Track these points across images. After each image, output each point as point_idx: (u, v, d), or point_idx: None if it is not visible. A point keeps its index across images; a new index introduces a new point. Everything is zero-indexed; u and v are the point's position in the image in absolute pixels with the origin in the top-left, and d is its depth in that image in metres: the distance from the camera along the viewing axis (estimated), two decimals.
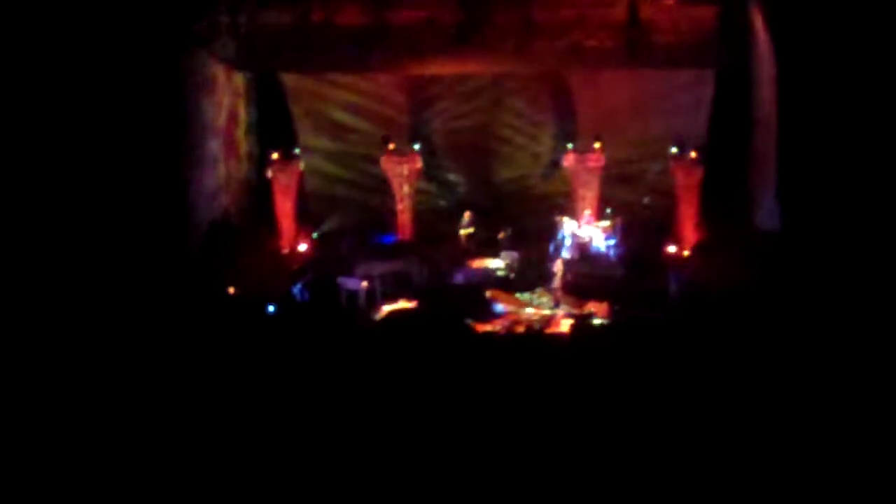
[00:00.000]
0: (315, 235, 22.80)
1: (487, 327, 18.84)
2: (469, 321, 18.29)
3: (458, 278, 21.43)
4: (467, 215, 22.85)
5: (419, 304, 19.91)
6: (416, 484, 11.39)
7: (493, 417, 12.63)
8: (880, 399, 12.68)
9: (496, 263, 21.85)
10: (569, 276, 20.64)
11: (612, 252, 21.80)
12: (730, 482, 11.12)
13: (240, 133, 23.38)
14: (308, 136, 23.86)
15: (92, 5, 18.16)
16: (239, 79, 23.20)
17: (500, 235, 22.42)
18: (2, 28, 17.22)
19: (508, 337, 17.90)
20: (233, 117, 23.03)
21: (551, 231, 22.27)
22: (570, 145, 22.72)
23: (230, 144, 22.92)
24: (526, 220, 23.24)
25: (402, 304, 19.98)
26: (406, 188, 22.96)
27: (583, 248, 21.81)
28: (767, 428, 12.18)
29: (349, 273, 20.63)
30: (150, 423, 12.52)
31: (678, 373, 13.57)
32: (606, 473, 11.40)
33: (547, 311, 19.86)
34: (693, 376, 13.48)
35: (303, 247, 22.40)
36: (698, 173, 21.81)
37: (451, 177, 24.57)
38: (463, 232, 22.73)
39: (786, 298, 16.60)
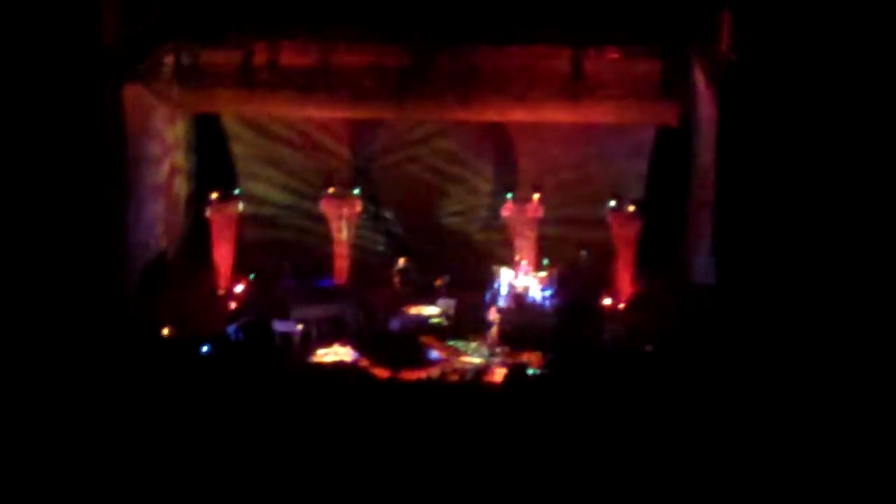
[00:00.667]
0: (251, 277, 22.64)
1: (421, 374, 18.79)
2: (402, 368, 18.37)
3: (394, 324, 21.37)
4: (402, 261, 22.85)
5: (355, 349, 19.88)
6: None
7: (424, 465, 12.59)
8: (814, 441, 12.80)
9: (432, 310, 21.82)
10: (504, 326, 20.66)
11: (547, 302, 21.83)
12: None
13: (178, 173, 23.21)
14: (247, 177, 23.76)
15: (34, 39, 18.13)
16: (179, 118, 23.04)
17: (437, 282, 22.43)
18: None
19: (441, 384, 17.86)
20: (172, 157, 22.87)
21: (488, 280, 22.26)
22: (508, 195, 22.73)
23: (168, 184, 22.77)
24: (463, 268, 23.24)
25: (337, 350, 19.91)
26: (344, 231, 22.84)
27: (519, 298, 21.81)
28: (701, 477, 12.24)
29: (285, 316, 20.56)
30: (81, 463, 12.42)
31: (610, 424, 13.60)
32: None
33: (481, 360, 19.82)
34: (624, 427, 13.51)
35: (239, 288, 22.24)
36: (636, 226, 21.89)
37: (390, 221, 24.50)
38: (398, 278, 22.72)
39: (717, 352, 16.70)
